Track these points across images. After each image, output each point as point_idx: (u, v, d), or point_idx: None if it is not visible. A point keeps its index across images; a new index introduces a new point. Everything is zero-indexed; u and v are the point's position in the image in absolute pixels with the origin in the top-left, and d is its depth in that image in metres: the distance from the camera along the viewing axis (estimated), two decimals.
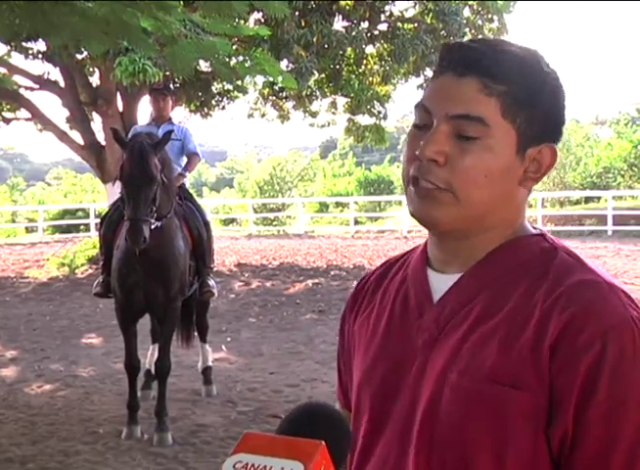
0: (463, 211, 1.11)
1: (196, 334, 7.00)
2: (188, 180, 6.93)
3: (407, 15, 15.90)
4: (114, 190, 11.76)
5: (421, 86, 15.75)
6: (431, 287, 1.19)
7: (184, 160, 6.78)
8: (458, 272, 1.16)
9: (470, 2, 15.69)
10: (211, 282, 6.44)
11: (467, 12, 15.65)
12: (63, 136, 15.41)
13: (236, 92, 15.62)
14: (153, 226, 5.35)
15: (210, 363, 6.95)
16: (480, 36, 14.86)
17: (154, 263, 5.53)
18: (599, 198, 25.46)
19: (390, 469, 1.15)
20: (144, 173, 5.23)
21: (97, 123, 15.39)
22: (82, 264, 14.92)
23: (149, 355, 6.89)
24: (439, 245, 1.19)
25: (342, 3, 14.51)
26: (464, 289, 1.15)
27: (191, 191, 7.08)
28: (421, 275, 1.21)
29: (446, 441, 1.09)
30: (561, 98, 1.15)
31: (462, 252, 1.16)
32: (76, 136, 15.35)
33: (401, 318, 1.21)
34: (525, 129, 1.11)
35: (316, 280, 13.40)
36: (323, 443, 0.89)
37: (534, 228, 1.20)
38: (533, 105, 1.11)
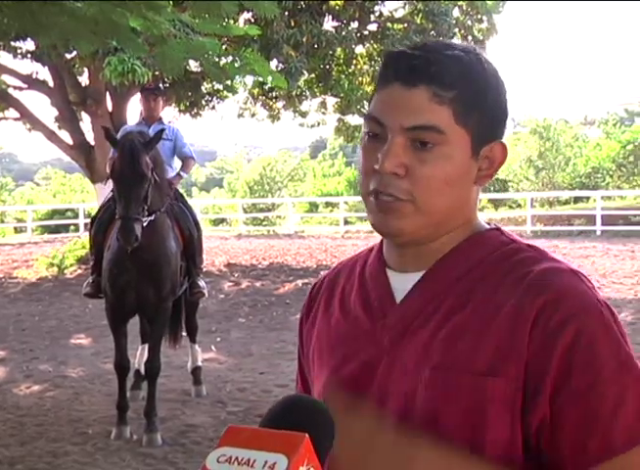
0: (425, 220, 1.13)
1: (185, 334, 6.99)
2: None
3: (397, 15, 15.92)
4: (104, 190, 11.71)
5: None
6: (392, 287, 1.20)
7: (175, 160, 6.78)
8: (419, 271, 1.17)
9: (459, 2, 15.72)
10: (201, 283, 6.43)
11: (456, 12, 15.69)
12: (52, 136, 15.35)
13: (226, 92, 15.59)
14: (145, 222, 5.33)
15: (200, 363, 6.94)
16: (473, 40, 14.89)
17: (146, 263, 5.51)
18: (588, 198, 25.54)
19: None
20: (135, 172, 5.21)
21: (86, 123, 15.35)
22: (71, 265, 14.87)
23: (138, 356, 6.87)
24: (399, 250, 1.20)
25: (332, 3, 14.51)
26: (428, 286, 1.16)
27: (180, 191, 7.08)
28: (380, 276, 1.22)
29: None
30: (503, 94, 1.17)
31: (423, 254, 1.18)
32: (65, 136, 15.30)
33: (364, 320, 1.21)
34: (476, 131, 1.13)
35: (306, 280, 13.38)
36: (307, 435, 0.88)
37: (488, 224, 1.22)
38: (481, 107, 1.13)
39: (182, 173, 6.72)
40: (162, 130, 5.76)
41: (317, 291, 1.34)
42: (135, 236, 5.14)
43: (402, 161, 1.10)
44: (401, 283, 1.19)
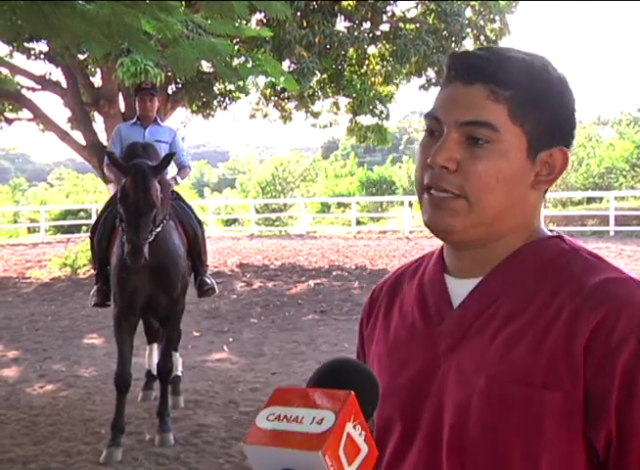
0: (477, 218, 1.12)
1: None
2: (189, 180, 6.89)
3: (409, 15, 15.91)
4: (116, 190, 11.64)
5: (423, 87, 15.79)
6: (450, 293, 1.19)
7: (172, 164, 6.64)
8: (477, 277, 1.16)
9: (472, 2, 15.69)
10: (210, 280, 6.36)
11: (469, 12, 15.67)
12: (65, 137, 15.41)
13: (238, 93, 15.62)
14: (151, 238, 5.23)
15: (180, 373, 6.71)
16: (486, 40, 14.88)
17: (154, 266, 5.39)
18: (601, 198, 25.44)
19: None
20: (146, 201, 5.11)
21: (99, 124, 15.42)
22: (84, 265, 14.93)
23: (147, 356, 6.86)
24: (457, 253, 1.19)
25: (344, 3, 14.51)
26: (485, 293, 1.15)
27: (192, 192, 7.04)
28: (439, 281, 1.21)
29: (478, 446, 1.08)
30: (568, 102, 1.16)
31: (480, 258, 1.16)
32: (78, 136, 15.36)
33: (422, 326, 1.20)
34: (533, 133, 1.12)
35: (318, 280, 13.39)
36: (353, 393, 0.90)
37: (551, 231, 1.20)
38: (540, 108, 1.12)
39: (178, 178, 6.58)
40: (172, 155, 5.59)
41: (377, 295, 1.34)
42: (144, 257, 5.08)
43: (454, 155, 1.11)
44: (459, 288, 1.18)
